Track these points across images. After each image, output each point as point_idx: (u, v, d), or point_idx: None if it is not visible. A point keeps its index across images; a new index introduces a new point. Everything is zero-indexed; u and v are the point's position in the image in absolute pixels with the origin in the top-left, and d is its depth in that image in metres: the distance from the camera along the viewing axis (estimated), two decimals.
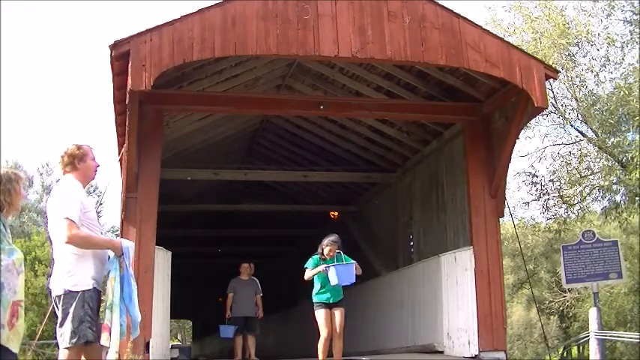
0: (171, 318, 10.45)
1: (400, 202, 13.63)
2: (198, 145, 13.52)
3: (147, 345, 8.52)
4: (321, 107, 10.24)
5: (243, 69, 10.56)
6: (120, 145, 9.64)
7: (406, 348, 11.29)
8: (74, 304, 4.48)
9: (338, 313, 7.69)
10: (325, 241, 7.76)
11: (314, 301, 7.81)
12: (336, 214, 16.69)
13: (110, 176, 9.52)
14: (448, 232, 11.04)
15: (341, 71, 11.08)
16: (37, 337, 11.57)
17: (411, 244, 13.04)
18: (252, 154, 16.26)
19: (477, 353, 9.17)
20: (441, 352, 9.94)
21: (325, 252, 7.69)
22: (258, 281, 11.44)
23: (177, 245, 12.25)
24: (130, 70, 7.62)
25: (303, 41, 8.14)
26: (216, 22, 7.94)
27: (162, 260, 9.26)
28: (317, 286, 7.80)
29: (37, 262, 17.97)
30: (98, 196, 29.65)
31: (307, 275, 7.79)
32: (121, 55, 7.75)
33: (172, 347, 12.38)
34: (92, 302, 4.54)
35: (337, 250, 7.72)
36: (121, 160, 9.57)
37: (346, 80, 11.22)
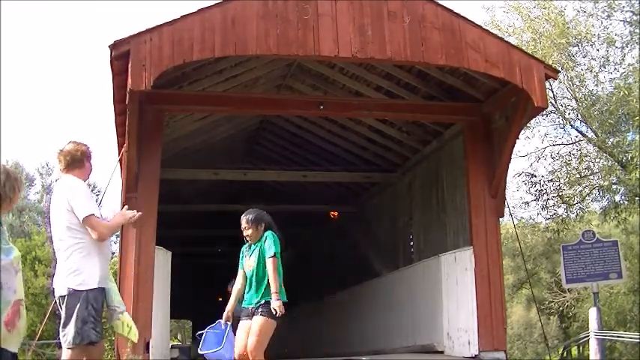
0: (171, 318, 10.45)
1: (400, 202, 13.63)
2: (199, 145, 13.52)
3: (147, 345, 8.52)
4: (321, 107, 10.24)
5: (243, 69, 10.56)
6: (120, 145, 9.64)
7: (406, 348, 11.29)
8: (78, 305, 4.47)
9: (252, 327, 5.53)
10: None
11: None
12: (335, 214, 16.70)
13: (110, 176, 9.49)
14: (448, 232, 11.03)
15: (341, 71, 11.08)
16: (37, 337, 11.56)
17: (411, 244, 13.04)
18: (252, 154, 16.27)
19: (476, 353, 9.17)
20: (441, 352, 9.94)
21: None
22: None
23: (177, 245, 12.24)
24: (129, 70, 7.62)
25: (303, 41, 8.13)
26: (216, 22, 7.93)
27: (162, 260, 9.26)
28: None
29: (37, 262, 17.93)
30: (97, 195, 29.67)
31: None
32: (121, 55, 7.74)
33: (172, 347, 12.39)
34: (96, 302, 4.53)
35: (257, 230, 5.83)
36: (121, 160, 9.56)
37: (346, 80, 11.22)
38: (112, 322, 4.77)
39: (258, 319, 5.50)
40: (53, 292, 4.73)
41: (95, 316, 4.50)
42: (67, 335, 4.46)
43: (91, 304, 4.49)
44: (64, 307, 4.54)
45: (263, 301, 5.54)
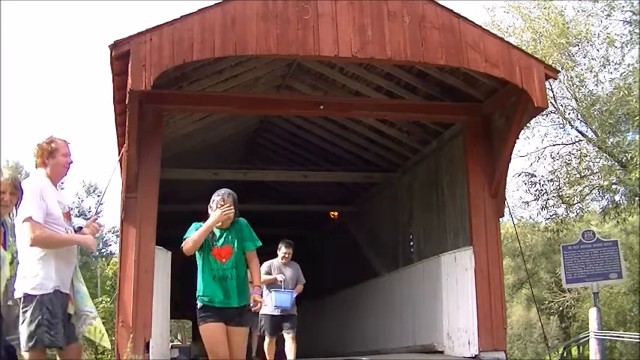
0: (171, 318, 10.45)
1: (400, 202, 13.63)
2: (198, 145, 13.51)
3: (147, 345, 8.53)
4: (321, 107, 10.24)
5: (243, 69, 10.55)
6: (120, 145, 9.64)
7: (406, 348, 11.29)
8: (32, 308, 4.33)
9: (238, 341, 4.89)
10: (216, 200, 5.21)
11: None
12: (336, 214, 16.70)
13: (110, 176, 9.49)
14: (448, 232, 11.03)
15: (341, 71, 11.08)
16: None
17: (411, 244, 13.04)
18: (252, 154, 16.26)
19: (477, 353, 9.17)
20: (441, 352, 9.94)
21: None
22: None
23: (178, 245, 12.21)
24: (129, 70, 7.62)
25: (303, 41, 8.13)
26: (216, 22, 7.93)
27: (162, 260, 9.25)
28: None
29: None
30: (98, 196, 29.64)
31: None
32: (121, 55, 7.74)
33: (172, 347, 12.37)
34: (52, 306, 4.35)
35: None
36: (121, 160, 9.57)
37: (346, 80, 11.22)
38: (84, 327, 4.57)
39: (242, 332, 4.86)
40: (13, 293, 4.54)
41: (50, 320, 4.31)
42: (21, 337, 4.34)
43: (46, 307, 4.32)
44: (20, 309, 4.39)
45: (244, 305, 4.86)
